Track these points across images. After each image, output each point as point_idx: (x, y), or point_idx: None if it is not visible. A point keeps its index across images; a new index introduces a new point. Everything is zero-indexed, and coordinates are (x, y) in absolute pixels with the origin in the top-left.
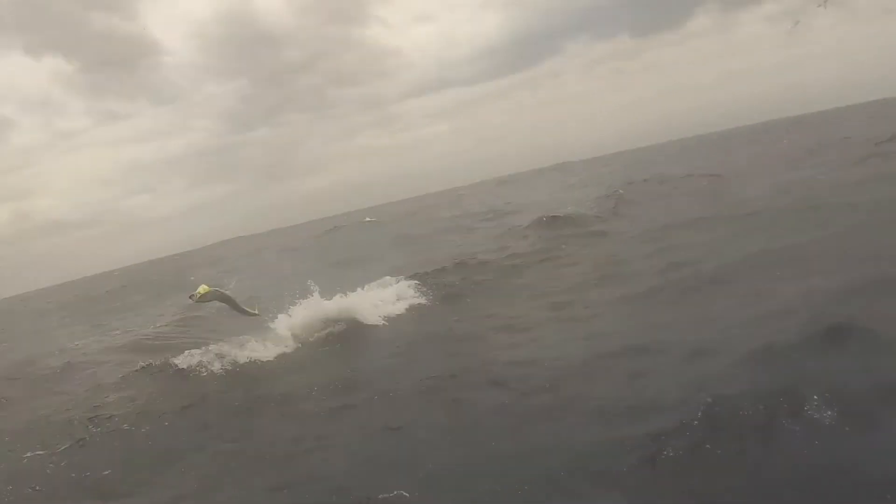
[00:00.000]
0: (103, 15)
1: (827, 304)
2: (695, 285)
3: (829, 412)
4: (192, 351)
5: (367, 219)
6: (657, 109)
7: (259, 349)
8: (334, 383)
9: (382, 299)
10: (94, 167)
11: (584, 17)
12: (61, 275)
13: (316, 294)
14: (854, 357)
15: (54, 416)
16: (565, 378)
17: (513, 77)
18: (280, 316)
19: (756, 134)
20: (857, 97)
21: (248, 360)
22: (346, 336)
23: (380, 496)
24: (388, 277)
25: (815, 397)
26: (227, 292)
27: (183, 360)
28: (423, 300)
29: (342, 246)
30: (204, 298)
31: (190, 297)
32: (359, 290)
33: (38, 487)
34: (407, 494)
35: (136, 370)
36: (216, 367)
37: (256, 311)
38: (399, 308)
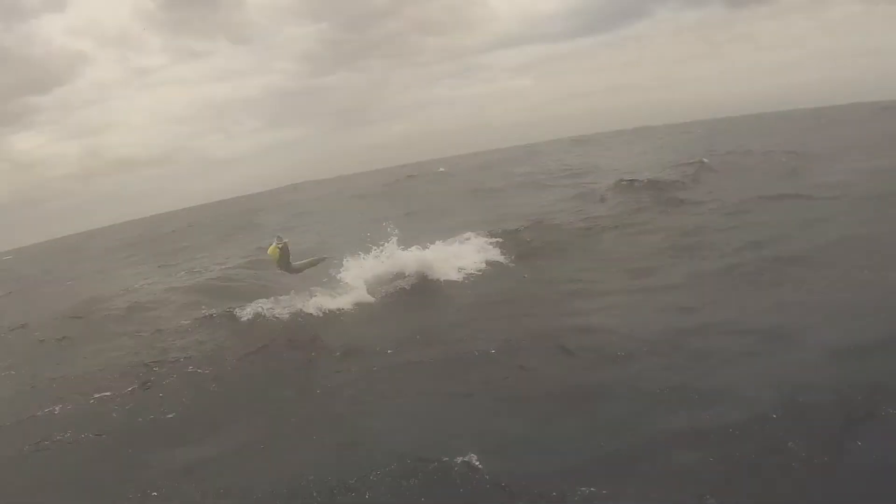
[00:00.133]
0: None
1: None
2: (774, 266)
3: None
4: (260, 300)
5: (441, 169)
6: (742, 82)
7: (327, 299)
8: (402, 339)
9: (458, 255)
10: (168, 105)
11: None
12: (129, 212)
13: (391, 244)
14: None
15: (120, 359)
16: (635, 353)
17: (598, 37)
18: (352, 265)
19: (844, 114)
20: None
21: (316, 310)
22: (418, 290)
23: (447, 460)
24: (468, 233)
25: None
26: (296, 264)
27: (250, 307)
28: (497, 258)
29: (416, 196)
30: (282, 265)
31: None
32: (438, 242)
33: (104, 431)
34: (477, 463)
35: (203, 315)
36: (284, 315)
37: (325, 257)
38: (473, 265)
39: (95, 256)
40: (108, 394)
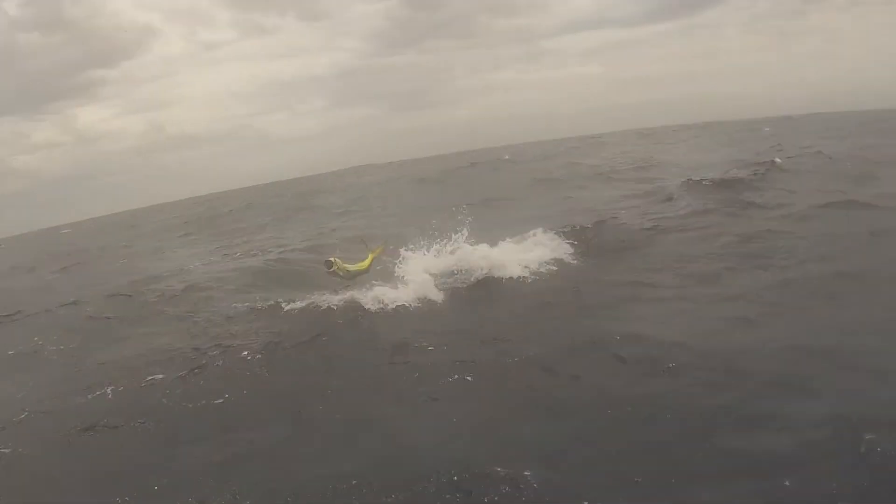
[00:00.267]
0: None
1: None
2: (837, 281)
3: None
4: (317, 287)
5: (506, 157)
6: (816, 77)
7: (387, 291)
8: (455, 338)
9: (524, 252)
10: (234, 81)
11: None
12: (188, 190)
13: (459, 238)
14: None
15: (173, 341)
16: (687, 366)
17: (670, 23)
18: (414, 256)
19: None
20: None
21: (373, 301)
22: (479, 287)
23: (500, 472)
24: (536, 229)
25: None
26: (351, 268)
27: (306, 294)
28: (560, 257)
29: (481, 184)
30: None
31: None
32: (507, 240)
33: (152, 417)
34: (528, 473)
35: (258, 299)
36: (340, 304)
37: (379, 247)
38: (537, 263)
39: (152, 233)
40: (160, 376)
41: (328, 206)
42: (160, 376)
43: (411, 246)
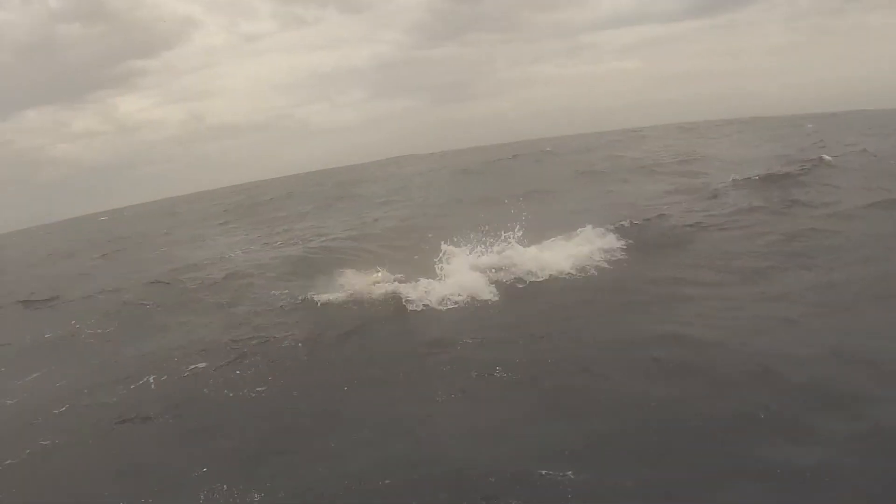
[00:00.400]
0: None
1: None
2: (883, 285)
3: None
4: (360, 278)
5: (548, 149)
6: (856, 73)
7: (431, 284)
8: (496, 336)
9: (570, 250)
10: (274, 72)
11: None
12: (228, 178)
13: (507, 236)
14: None
15: (214, 331)
16: (729, 373)
17: (709, 20)
18: (460, 252)
19: None
20: None
21: (416, 295)
22: (523, 284)
23: (544, 473)
24: (585, 226)
25: None
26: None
27: (348, 285)
28: (605, 254)
29: (524, 175)
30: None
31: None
32: (557, 238)
33: (196, 406)
34: (572, 475)
35: (299, 289)
36: (382, 296)
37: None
38: (583, 261)
39: (192, 221)
40: (202, 365)
41: (369, 195)
42: (202, 365)
43: (455, 239)
